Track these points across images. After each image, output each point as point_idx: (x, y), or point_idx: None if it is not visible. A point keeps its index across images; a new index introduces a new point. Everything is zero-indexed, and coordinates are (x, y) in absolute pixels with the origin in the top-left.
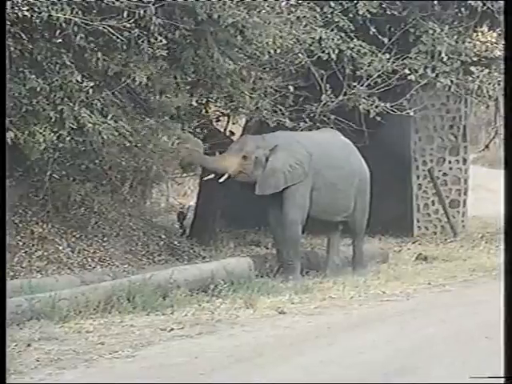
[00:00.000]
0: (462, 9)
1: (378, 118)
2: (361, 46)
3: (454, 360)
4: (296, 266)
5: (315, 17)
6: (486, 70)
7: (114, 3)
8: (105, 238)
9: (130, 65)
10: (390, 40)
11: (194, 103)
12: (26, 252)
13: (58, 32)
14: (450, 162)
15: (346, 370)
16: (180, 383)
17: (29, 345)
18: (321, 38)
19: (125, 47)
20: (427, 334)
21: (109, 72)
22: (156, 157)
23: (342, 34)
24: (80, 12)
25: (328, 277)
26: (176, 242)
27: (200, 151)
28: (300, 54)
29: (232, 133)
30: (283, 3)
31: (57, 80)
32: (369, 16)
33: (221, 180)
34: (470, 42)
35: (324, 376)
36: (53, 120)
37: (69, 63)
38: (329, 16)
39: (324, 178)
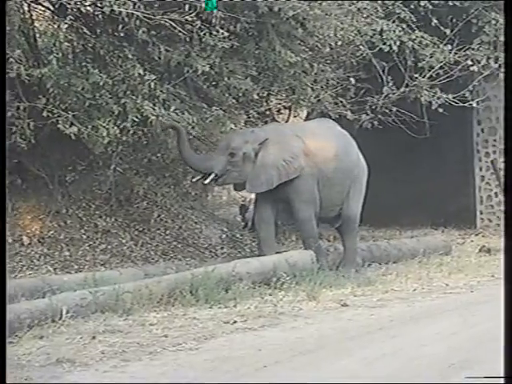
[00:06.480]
0: None
1: (440, 110)
2: (422, 37)
3: None
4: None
5: (376, 8)
6: None
7: None
8: (167, 231)
9: (193, 54)
10: (452, 31)
11: (256, 96)
12: (89, 245)
13: (120, 26)
14: None
15: (409, 362)
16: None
17: (93, 337)
18: (382, 29)
19: (187, 40)
20: (491, 327)
21: (171, 63)
22: None
23: (404, 26)
24: (142, 6)
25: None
26: (238, 235)
27: (187, 145)
28: (361, 46)
29: None
30: None
31: (119, 74)
32: (430, 7)
33: (206, 181)
34: None
35: (386, 369)
36: (116, 114)
37: (131, 57)
38: (390, 7)
39: (322, 171)
